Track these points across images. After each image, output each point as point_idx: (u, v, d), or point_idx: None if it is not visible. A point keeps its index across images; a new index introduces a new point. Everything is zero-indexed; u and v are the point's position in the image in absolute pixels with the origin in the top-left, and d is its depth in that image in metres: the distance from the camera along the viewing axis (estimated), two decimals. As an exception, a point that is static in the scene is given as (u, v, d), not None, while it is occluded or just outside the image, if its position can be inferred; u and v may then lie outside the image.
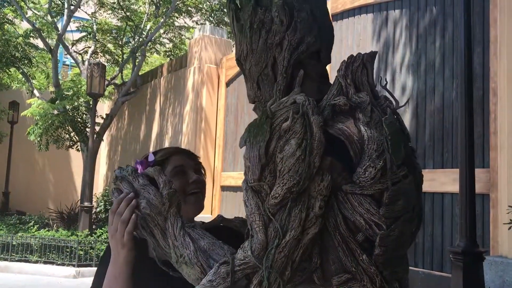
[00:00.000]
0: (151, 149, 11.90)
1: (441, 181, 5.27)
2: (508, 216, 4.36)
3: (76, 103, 10.32)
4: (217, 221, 1.52)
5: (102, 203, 11.28)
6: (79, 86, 10.15)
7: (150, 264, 1.35)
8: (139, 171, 1.37)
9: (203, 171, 1.47)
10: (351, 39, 6.80)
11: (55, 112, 9.99)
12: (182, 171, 1.39)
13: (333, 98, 1.13)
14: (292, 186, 0.98)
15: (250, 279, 1.01)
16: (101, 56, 12.94)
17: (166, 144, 11.22)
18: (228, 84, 9.60)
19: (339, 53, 6.91)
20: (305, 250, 1.00)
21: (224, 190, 9.18)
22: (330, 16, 7.03)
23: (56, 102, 9.92)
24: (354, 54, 1.18)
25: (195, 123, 9.66)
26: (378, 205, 1.05)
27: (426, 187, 5.29)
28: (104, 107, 13.64)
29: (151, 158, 1.37)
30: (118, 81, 12.08)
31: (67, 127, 10.82)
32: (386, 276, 1.09)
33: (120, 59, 12.36)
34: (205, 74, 9.70)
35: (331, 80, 1.22)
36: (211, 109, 9.71)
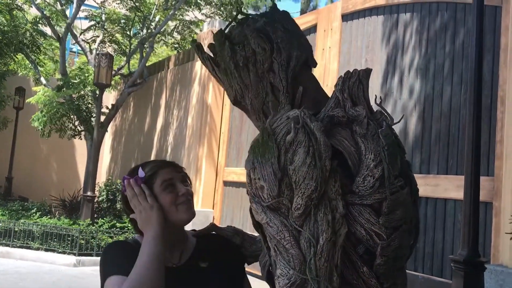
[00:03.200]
0: (155, 141, 11.92)
1: (444, 187, 5.25)
2: (511, 226, 4.35)
3: (82, 92, 10.33)
4: (210, 229, 1.54)
5: (104, 193, 11.31)
6: (86, 75, 10.16)
7: None
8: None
9: (189, 182, 1.51)
10: (361, 40, 6.77)
11: (61, 100, 10.02)
12: (172, 184, 1.44)
13: (331, 110, 1.14)
14: (311, 193, 0.99)
15: None
16: (108, 45, 12.94)
17: (171, 138, 11.24)
18: (235, 79, 9.59)
19: (348, 54, 6.90)
20: (341, 253, 1.00)
21: (227, 185, 9.19)
22: (341, 16, 6.99)
23: (62, 90, 9.93)
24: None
25: (200, 117, 9.66)
26: (377, 215, 1.06)
27: (429, 192, 5.30)
28: (109, 97, 13.66)
29: (141, 174, 1.42)
30: (124, 71, 12.10)
31: (71, 116, 10.84)
32: (387, 288, 1.09)
33: (127, 50, 12.37)
34: (212, 68, 9.69)
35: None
36: (216, 104, 9.71)
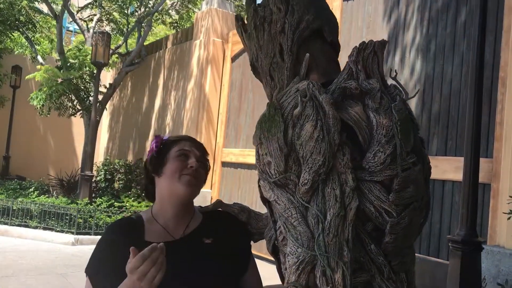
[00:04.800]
0: (153, 121, 11.88)
1: (443, 168, 5.26)
2: (509, 206, 4.37)
3: (80, 72, 10.25)
4: (216, 205, 1.53)
5: (102, 173, 11.32)
6: (85, 55, 10.06)
7: (145, 248, 1.36)
8: (151, 146, 1.47)
9: (206, 165, 1.50)
10: (361, 19, 6.70)
11: (59, 80, 9.93)
12: (186, 154, 1.45)
13: (343, 82, 1.12)
14: (318, 168, 0.98)
15: (314, 274, 0.99)
16: (106, 24, 12.79)
17: (169, 118, 11.20)
18: (233, 59, 9.51)
19: (348, 34, 6.83)
20: (354, 227, 0.99)
21: (225, 166, 9.19)
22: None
23: (62, 71, 9.84)
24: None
25: (199, 97, 9.61)
26: (387, 192, 1.04)
27: (428, 173, 5.31)
28: (107, 77, 13.56)
29: (165, 137, 1.48)
30: (121, 50, 11.98)
31: (70, 95, 10.77)
32: (394, 266, 1.09)
33: (125, 29, 12.23)
34: (211, 48, 9.61)
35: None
36: (215, 84, 9.65)
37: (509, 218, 4.33)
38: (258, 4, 1.26)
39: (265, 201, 1.14)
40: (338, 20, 7.12)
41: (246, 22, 1.31)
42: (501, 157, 4.72)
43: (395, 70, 1.23)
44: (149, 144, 1.51)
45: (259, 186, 1.10)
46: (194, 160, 1.43)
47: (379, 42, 1.14)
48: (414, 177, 1.05)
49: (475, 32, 3.59)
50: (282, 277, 1.20)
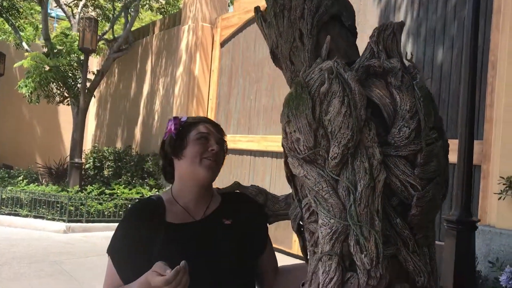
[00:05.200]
0: (142, 108, 11.80)
1: (434, 150, 5.35)
2: (499, 187, 4.48)
3: (68, 58, 10.12)
4: (234, 187, 1.56)
5: (91, 160, 11.26)
6: (72, 41, 9.92)
7: (166, 228, 1.40)
8: (169, 127, 1.44)
9: (225, 147, 1.52)
10: (352, 3, 6.71)
11: (47, 68, 9.80)
12: (206, 137, 1.46)
13: (366, 61, 1.15)
14: (347, 142, 1.01)
15: (348, 243, 1.03)
16: (91, 10, 12.60)
17: (157, 105, 11.14)
18: (222, 44, 9.48)
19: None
20: (383, 199, 1.03)
21: (215, 151, 9.20)
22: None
23: (49, 58, 9.70)
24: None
25: (188, 83, 9.57)
26: (412, 167, 1.08)
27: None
28: (93, 63, 13.39)
29: (183, 118, 1.48)
30: (108, 36, 11.83)
31: (58, 82, 10.64)
32: (418, 240, 1.13)
33: (111, 14, 12.07)
34: (200, 33, 9.55)
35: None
36: (204, 70, 9.61)
37: (499, 198, 4.44)
38: None
39: (290, 180, 1.17)
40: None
41: (265, 12, 1.34)
42: (492, 139, 4.82)
43: (411, 53, 1.27)
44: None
45: (285, 164, 1.13)
46: (215, 143, 1.45)
47: (397, 23, 1.18)
48: (436, 152, 1.09)
49: (468, 15, 3.63)
50: (305, 255, 1.23)
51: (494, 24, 4.93)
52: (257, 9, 1.36)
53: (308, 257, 1.21)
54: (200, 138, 1.44)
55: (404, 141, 1.05)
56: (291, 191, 1.27)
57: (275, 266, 1.54)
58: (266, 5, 1.34)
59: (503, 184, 4.40)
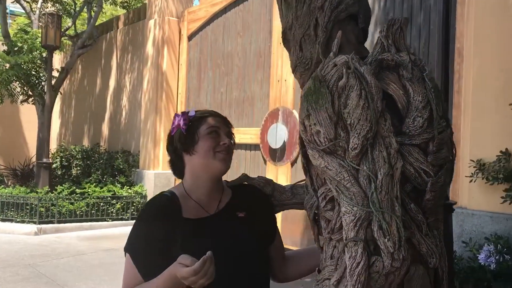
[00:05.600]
0: (108, 104, 11.60)
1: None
2: (470, 170, 4.66)
3: (30, 56, 9.81)
4: (242, 179, 1.58)
5: (58, 160, 11.00)
6: (34, 38, 9.62)
7: (184, 224, 1.41)
8: (177, 123, 1.45)
9: (233, 139, 1.54)
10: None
11: (7, 66, 9.47)
12: (216, 131, 1.48)
13: (379, 55, 1.20)
14: (366, 133, 1.06)
15: (371, 229, 1.07)
16: (51, 5, 12.24)
17: (125, 101, 10.98)
18: (190, 38, 9.41)
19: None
20: (400, 186, 1.08)
21: (187, 146, 9.16)
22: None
23: (10, 55, 9.38)
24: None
25: (156, 78, 9.47)
26: (424, 154, 1.15)
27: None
28: (55, 60, 13.03)
29: (192, 113, 1.48)
30: (69, 32, 11.53)
31: (21, 81, 10.32)
32: (430, 223, 1.20)
33: (72, 10, 11.76)
34: (166, 27, 9.45)
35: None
36: (172, 64, 9.53)
37: (470, 181, 4.63)
38: None
39: (306, 170, 1.20)
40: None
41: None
42: (460, 124, 5.00)
43: (414, 47, 1.33)
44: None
45: (303, 156, 1.17)
46: (225, 137, 1.48)
47: (404, 19, 1.23)
48: (446, 139, 1.15)
49: (440, 4, 3.74)
50: (319, 244, 1.27)
51: (459, 13, 5.09)
52: None
53: (322, 244, 1.26)
54: (211, 132, 1.46)
55: (418, 130, 1.11)
56: (288, 183, 1.31)
57: (283, 253, 1.59)
58: None
59: (474, 167, 4.58)
